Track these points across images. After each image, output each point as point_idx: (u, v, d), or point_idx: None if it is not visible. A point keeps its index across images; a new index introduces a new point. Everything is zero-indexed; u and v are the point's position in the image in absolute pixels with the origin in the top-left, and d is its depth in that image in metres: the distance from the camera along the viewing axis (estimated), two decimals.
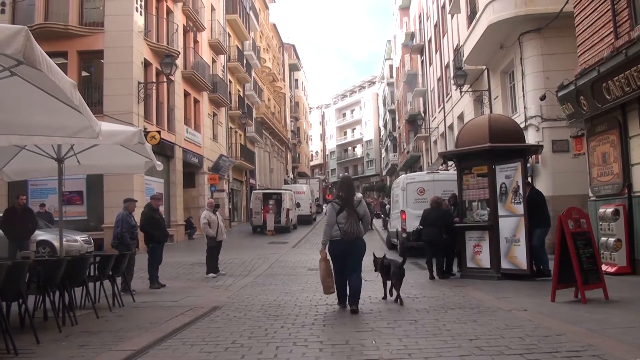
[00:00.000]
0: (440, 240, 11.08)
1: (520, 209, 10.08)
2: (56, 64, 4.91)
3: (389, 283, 8.36)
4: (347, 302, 7.50)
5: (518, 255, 10.08)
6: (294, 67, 68.91)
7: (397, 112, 59.48)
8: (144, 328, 6.45)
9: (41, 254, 14.12)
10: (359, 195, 7.96)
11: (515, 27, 15.79)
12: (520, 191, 10.09)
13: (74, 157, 8.50)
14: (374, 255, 8.96)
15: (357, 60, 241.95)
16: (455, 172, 12.25)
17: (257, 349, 5.36)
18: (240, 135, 38.20)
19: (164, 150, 22.08)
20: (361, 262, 7.62)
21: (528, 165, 12.99)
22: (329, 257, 7.63)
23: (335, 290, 7.67)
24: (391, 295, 8.30)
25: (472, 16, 19.26)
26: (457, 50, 24.81)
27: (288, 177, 58.92)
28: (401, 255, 10.09)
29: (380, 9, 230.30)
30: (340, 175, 69.53)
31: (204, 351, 5.34)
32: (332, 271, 7.66)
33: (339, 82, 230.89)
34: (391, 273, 8.15)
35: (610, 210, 10.29)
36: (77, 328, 6.50)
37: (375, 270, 8.81)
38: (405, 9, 48.86)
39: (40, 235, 15.23)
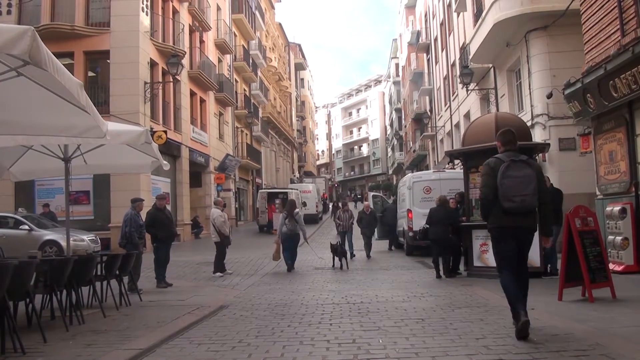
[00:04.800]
0: (446, 239, 11.08)
1: None
2: (63, 64, 4.92)
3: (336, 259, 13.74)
4: (292, 267, 13.18)
5: None
6: (299, 67, 68.91)
7: (403, 111, 59.40)
8: (150, 327, 6.46)
9: (48, 254, 14.19)
10: (296, 210, 13.48)
11: (521, 25, 15.73)
12: None
13: (80, 157, 8.55)
14: (331, 243, 14.31)
15: (356, 59, 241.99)
16: (462, 170, 12.22)
17: (264, 347, 5.36)
18: (246, 134, 38.25)
19: (170, 149, 22.14)
20: (297, 246, 13.59)
21: None
22: (280, 242, 13.42)
23: (284, 260, 13.30)
24: (347, 267, 13.57)
25: (478, 14, 19.20)
26: (463, 49, 24.74)
27: (294, 176, 58.96)
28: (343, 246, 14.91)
29: (378, 6, 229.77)
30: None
31: (210, 350, 5.35)
32: (282, 250, 13.44)
33: (338, 81, 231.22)
34: (338, 252, 13.69)
35: (617, 208, 10.23)
36: (84, 327, 6.52)
37: (332, 252, 13.79)
38: (411, 7, 48.83)
39: (47, 235, 15.35)
